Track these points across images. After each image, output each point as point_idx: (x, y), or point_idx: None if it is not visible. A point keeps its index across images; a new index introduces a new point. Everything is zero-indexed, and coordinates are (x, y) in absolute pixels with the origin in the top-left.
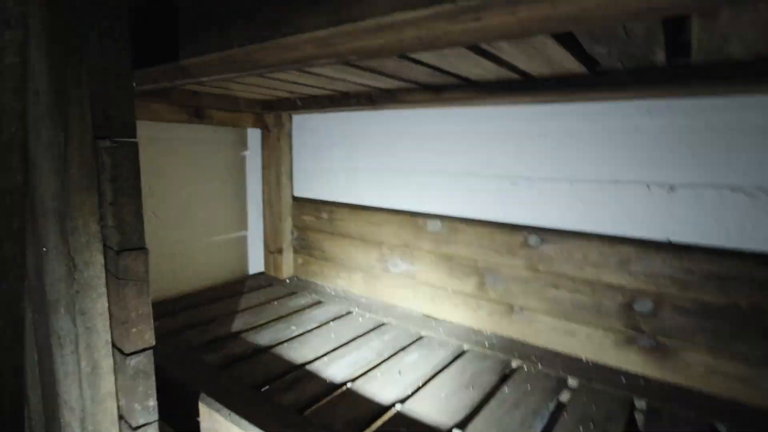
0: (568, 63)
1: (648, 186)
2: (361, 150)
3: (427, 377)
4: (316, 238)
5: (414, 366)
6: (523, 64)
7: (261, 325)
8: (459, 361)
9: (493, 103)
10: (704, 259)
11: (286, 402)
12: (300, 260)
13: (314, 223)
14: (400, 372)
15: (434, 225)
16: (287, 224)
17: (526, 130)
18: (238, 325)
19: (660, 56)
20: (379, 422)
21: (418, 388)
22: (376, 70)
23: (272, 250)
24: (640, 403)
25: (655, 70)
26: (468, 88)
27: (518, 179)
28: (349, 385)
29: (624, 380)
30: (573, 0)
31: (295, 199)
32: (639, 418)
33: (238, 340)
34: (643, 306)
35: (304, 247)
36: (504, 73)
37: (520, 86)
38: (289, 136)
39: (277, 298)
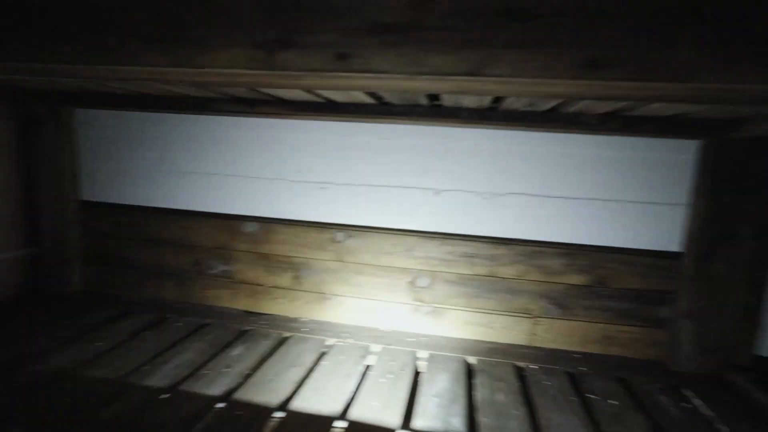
0: (362, 98)
1: (422, 190)
2: (171, 152)
3: (254, 366)
4: (116, 245)
5: (240, 358)
6: (328, 95)
7: (58, 347)
8: (282, 348)
9: (302, 118)
10: (460, 243)
11: (106, 418)
12: (94, 271)
13: (113, 229)
14: (228, 366)
15: (250, 226)
16: (75, 232)
17: (332, 142)
18: (25, 351)
19: (424, 100)
20: (210, 415)
21: (247, 377)
22: (194, 85)
23: (56, 263)
24: (423, 353)
25: (421, 107)
26: (280, 104)
27: (326, 184)
28: (176, 388)
29: (413, 339)
30: (369, 83)
31: (86, 203)
32: (422, 363)
33: (29, 367)
34: (423, 282)
35: (99, 257)
36: (312, 97)
37: (325, 107)
38: (72, 132)
39: (70, 315)
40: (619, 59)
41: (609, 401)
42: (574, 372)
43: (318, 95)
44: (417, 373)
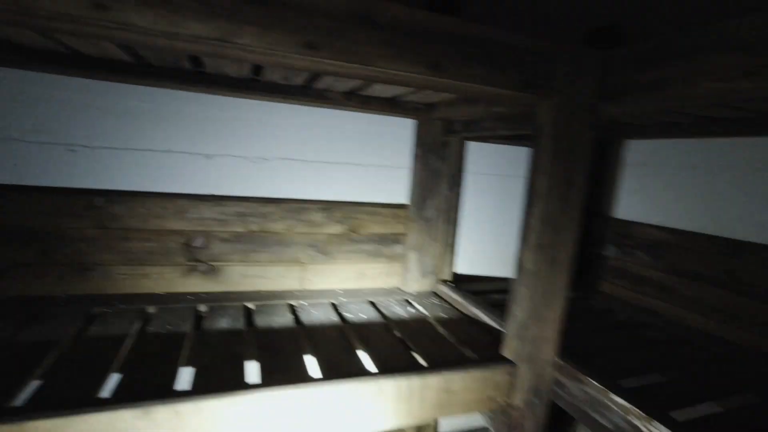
0: (117, 53)
1: (192, 155)
2: None
3: None
4: None
5: None
6: (75, 45)
7: None
8: (29, 327)
9: (42, 71)
10: (232, 204)
11: None
12: None
13: None
14: None
15: None
16: None
17: (84, 102)
18: None
19: (187, 65)
20: None
21: None
22: None
23: None
24: (203, 307)
25: (185, 73)
26: (11, 51)
27: (77, 147)
28: None
29: (191, 297)
30: (128, 36)
31: None
32: (203, 314)
33: None
34: (199, 242)
35: None
36: (50, 44)
37: (71, 61)
38: None
39: None
40: (327, 44)
41: (360, 315)
42: (336, 302)
43: (59, 41)
44: (198, 320)
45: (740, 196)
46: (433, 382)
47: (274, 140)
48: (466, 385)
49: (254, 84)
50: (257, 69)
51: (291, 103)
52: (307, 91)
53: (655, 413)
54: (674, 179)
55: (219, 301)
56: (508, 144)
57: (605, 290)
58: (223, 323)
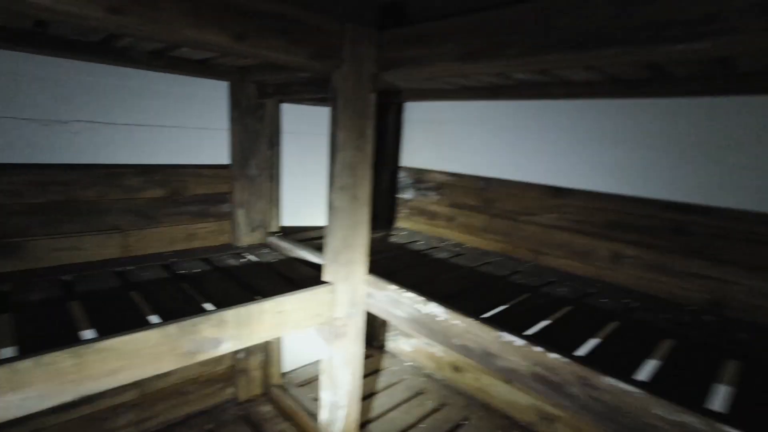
0: None
1: None
2: None
3: None
4: None
5: None
6: None
7: None
8: None
9: None
10: (25, 173)
11: None
12: None
13: None
14: None
15: None
16: None
17: None
18: None
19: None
20: None
21: None
22: None
23: None
24: (6, 287)
25: None
26: None
27: None
28: None
29: None
30: None
31: None
32: (8, 293)
33: None
34: None
35: None
36: None
37: None
38: None
39: None
40: (134, 10)
41: (194, 270)
42: (167, 263)
43: None
44: (3, 300)
45: (490, 144)
46: (268, 306)
47: (70, 101)
48: (295, 306)
49: (38, 38)
50: (42, 21)
51: (87, 62)
52: (106, 49)
53: (430, 298)
54: (451, 133)
55: (25, 278)
56: (319, 105)
57: (409, 227)
58: (36, 298)
